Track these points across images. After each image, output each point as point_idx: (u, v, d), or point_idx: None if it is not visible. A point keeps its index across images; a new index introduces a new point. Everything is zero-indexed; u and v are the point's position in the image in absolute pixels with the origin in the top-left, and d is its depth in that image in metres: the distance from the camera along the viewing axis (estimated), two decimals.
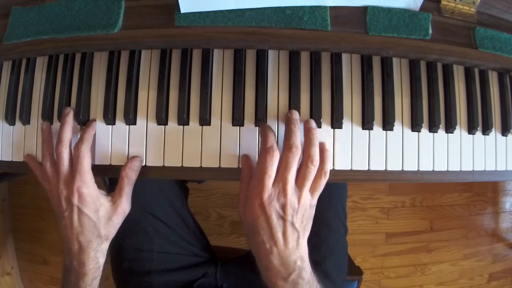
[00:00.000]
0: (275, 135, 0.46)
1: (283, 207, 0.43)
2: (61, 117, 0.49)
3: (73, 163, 0.46)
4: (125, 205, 0.49)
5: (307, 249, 0.46)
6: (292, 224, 0.43)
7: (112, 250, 0.52)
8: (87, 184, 0.46)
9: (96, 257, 0.48)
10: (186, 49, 0.51)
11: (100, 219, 0.47)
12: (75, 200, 0.45)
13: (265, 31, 0.49)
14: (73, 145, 0.48)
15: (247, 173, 0.47)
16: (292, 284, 0.44)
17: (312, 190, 0.45)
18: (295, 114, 0.47)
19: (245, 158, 0.49)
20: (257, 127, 0.50)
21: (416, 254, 1.43)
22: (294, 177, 0.44)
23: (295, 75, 0.50)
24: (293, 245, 0.44)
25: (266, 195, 0.43)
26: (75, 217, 0.46)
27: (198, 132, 0.50)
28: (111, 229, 0.49)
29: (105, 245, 0.49)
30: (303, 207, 0.44)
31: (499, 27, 0.53)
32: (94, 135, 0.50)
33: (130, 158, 0.49)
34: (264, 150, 0.44)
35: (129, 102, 0.50)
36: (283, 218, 0.43)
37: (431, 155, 0.51)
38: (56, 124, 0.52)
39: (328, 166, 0.46)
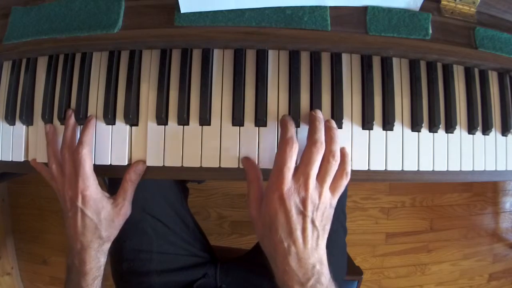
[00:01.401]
0: (294, 127, 0.45)
1: (304, 202, 0.42)
2: (65, 120, 0.50)
3: (75, 167, 0.47)
4: (127, 208, 0.50)
5: (325, 252, 0.44)
6: (312, 221, 0.42)
7: (112, 250, 0.52)
8: (91, 188, 0.47)
9: (97, 256, 0.49)
10: (186, 49, 0.51)
11: (101, 221, 0.48)
12: (79, 202, 0.46)
13: (265, 31, 0.49)
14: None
15: (254, 174, 0.47)
16: None
17: (333, 189, 0.44)
18: (319, 113, 0.47)
19: (246, 160, 0.48)
20: (257, 127, 0.50)
21: (416, 254, 1.43)
22: (316, 172, 0.43)
23: (295, 75, 0.50)
24: (312, 245, 0.42)
25: (286, 188, 0.41)
26: (78, 218, 0.47)
27: (198, 132, 0.50)
28: (112, 231, 0.50)
29: (106, 246, 0.50)
30: (323, 204, 0.43)
31: (499, 27, 0.53)
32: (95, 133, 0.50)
33: (134, 162, 0.50)
34: (284, 142, 0.43)
35: (129, 102, 0.50)
36: (303, 213, 0.42)
37: (431, 155, 0.51)
38: (56, 123, 0.52)
39: (350, 168, 0.46)
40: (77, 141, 0.49)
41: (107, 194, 0.50)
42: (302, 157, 0.43)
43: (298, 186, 0.42)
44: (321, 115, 0.47)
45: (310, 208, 0.42)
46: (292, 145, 0.43)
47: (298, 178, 0.42)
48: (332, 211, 0.44)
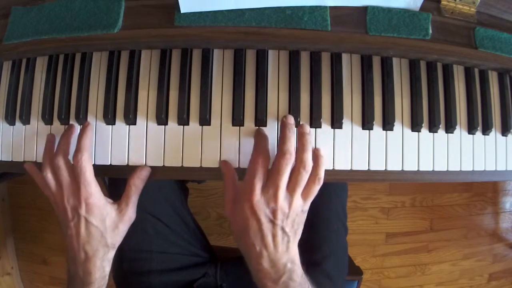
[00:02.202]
0: (267, 139, 0.47)
1: (273, 212, 0.43)
2: (65, 130, 0.49)
3: (75, 174, 0.45)
4: (131, 213, 0.49)
5: (297, 252, 0.46)
6: (282, 229, 0.43)
7: None
8: (94, 195, 0.45)
9: (102, 266, 0.47)
10: (186, 49, 0.51)
11: (107, 228, 0.46)
12: (83, 211, 0.45)
13: (265, 31, 0.49)
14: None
15: (230, 176, 0.48)
16: (282, 286, 0.44)
17: (305, 195, 0.45)
18: (291, 119, 0.47)
19: (224, 163, 0.49)
20: (257, 127, 0.50)
21: (416, 254, 1.43)
22: (286, 182, 0.43)
23: (295, 75, 0.50)
24: (283, 249, 0.44)
25: (255, 199, 0.42)
26: (82, 227, 0.45)
27: (198, 132, 0.50)
28: (117, 237, 0.48)
29: (111, 254, 0.48)
30: (294, 212, 0.44)
31: (499, 27, 0.53)
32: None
33: (139, 168, 0.49)
34: (256, 153, 0.45)
35: (129, 102, 0.50)
36: (273, 222, 0.43)
37: (431, 155, 0.51)
38: (56, 123, 0.52)
39: (322, 172, 0.45)
40: (73, 147, 0.47)
41: (110, 200, 0.48)
42: (272, 167, 0.44)
43: (268, 198, 0.43)
44: (292, 122, 0.47)
45: (280, 217, 0.43)
46: (264, 157, 0.44)
47: (268, 189, 0.43)
48: (304, 216, 0.45)
